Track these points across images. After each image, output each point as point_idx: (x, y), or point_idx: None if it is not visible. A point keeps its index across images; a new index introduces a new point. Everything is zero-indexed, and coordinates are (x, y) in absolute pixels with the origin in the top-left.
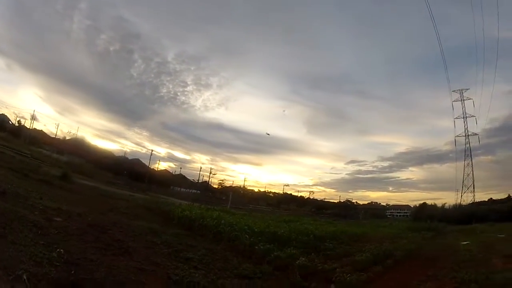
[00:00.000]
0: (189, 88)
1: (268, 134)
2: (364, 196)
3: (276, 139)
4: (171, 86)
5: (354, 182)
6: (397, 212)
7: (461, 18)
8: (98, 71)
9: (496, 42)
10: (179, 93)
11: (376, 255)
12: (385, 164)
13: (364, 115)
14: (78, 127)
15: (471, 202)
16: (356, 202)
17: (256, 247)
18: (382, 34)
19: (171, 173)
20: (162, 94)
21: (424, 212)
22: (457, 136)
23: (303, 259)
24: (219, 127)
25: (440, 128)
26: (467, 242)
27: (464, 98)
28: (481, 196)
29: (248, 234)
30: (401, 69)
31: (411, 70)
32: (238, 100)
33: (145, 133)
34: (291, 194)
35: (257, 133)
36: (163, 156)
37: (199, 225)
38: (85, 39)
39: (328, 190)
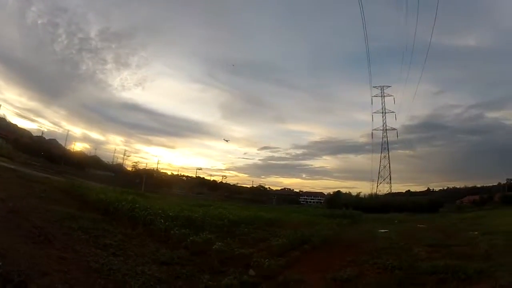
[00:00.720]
0: (108, 66)
1: (227, 140)
2: (277, 182)
3: (190, 122)
4: (91, 64)
5: (267, 168)
6: (311, 199)
7: (393, 19)
8: (24, 46)
9: (425, 45)
10: (98, 71)
11: (293, 240)
12: (299, 151)
13: (281, 103)
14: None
15: (387, 192)
16: (269, 187)
17: (172, 231)
18: (309, 26)
19: (86, 155)
20: (81, 71)
21: (338, 199)
22: (375, 129)
23: (220, 243)
24: (134, 108)
25: (357, 121)
26: (386, 230)
27: (385, 94)
28: (399, 187)
29: (163, 219)
30: (324, 62)
31: (335, 64)
32: (155, 81)
33: (63, 112)
34: (203, 178)
35: (172, 115)
36: (79, 136)
37: (114, 209)
38: (16, 11)
39: (240, 175)
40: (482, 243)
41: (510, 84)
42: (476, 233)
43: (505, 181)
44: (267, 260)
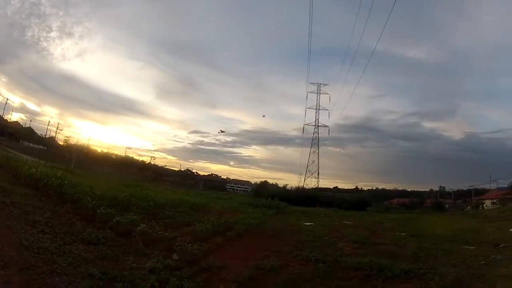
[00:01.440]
0: (52, 34)
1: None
2: (204, 167)
3: (125, 100)
4: (36, 30)
5: (196, 152)
6: (238, 187)
7: (342, 20)
8: None
9: (370, 51)
10: (42, 39)
11: (217, 226)
12: (229, 139)
13: (216, 88)
14: None
15: (315, 187)
16: (197, 172)
17: (98, 211)
18: (254, 15)
19: (22, 126)
20: (27, 38)
21: (265, 189)
22: (307, 124)
23: (144, 225)
24: (72, 79)
25: (290, 114)
26: (311, 223)
27: (321, 92)
28: (326, 183)
29: (90, 197)
30: (264, 52)
31: (274, 55)
32: (95, 54)
33: (4, 79)
34: (132, 157)
35: (108, 91)
36: (16, 106)
37: (44, 185)
38: None
39: (169, 157)
40: (410, 245)
41: (451, 98)
42: (404, 234)
43: (437, 188)
44: (190, 244)
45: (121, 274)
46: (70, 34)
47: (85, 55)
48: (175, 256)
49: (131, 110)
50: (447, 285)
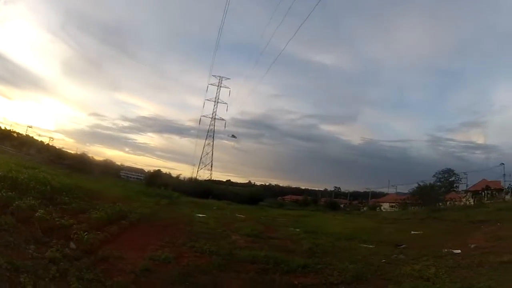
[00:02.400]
0: None
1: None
2: (100, 152)
3: (31, 74)
4: None
5: (93, 136)
6: (132, 174)
7: (254, 19)
8: None
9: (277, 51)
10: None
11: (111, 214)
12: (126, 124)
13: (120, 72)
14: None
15: (207, 178)
16: (92, 157)
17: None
18: (168, 3)
19: None
20: None
21: (159, 178)
22: (204, 116)
23: (42, 211)
24: None
25: (188, 104)
26: (204, 215)
27: (222, 85)
28: (220, 176)
29: None
30: (170, 39)
31: (182, 45)
32: (13, 21)
33: None
34: (33, 137)
35: (16, 63)
36: None
37: None
38: None
39: (67, 139)
40: (305, 241)
41: (354, 105)
42: (298, 230)
43: (332, 188)
44: (86, 233)
45: (24, 264)
46: None
47: (5, 22)
48: (72, 245)
49: (36, 85)
50: (347, 280)
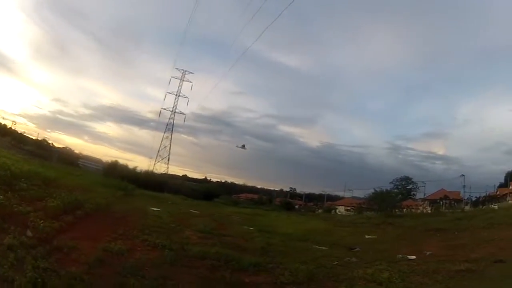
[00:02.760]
0: None
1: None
2: (60, 139)
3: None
4: None
5: (55, 122)
6: (90, 164)
7: (224, 15)
8: None
9: (243, 49)
10: None
11: (67, 203)
12: (87, 111)
13: (86, 57)
14: None
15: (164, 172)
16: (52, 143)
17: None
18: None
19: None
20: None
21: (115, 170)
22: (164, 108)
23: (1, 197)
24: None
25: (150, 96)
26: (158, 209)
27: (185, 79)
28: (176, 170)
29: None
30: (140, 30)
31: (149, 35)
32: None
33: None
34: None
35: None
36: None
37: None
38: None
39: (30, 124)
40: (258, 239)
41: (314, 109)
42: (251, 228)
43: (288, 189)
44: (42, 221)
45: None
46: None
47: None
48: (29, 233)
49: (2, 65)
50: (299, 281)
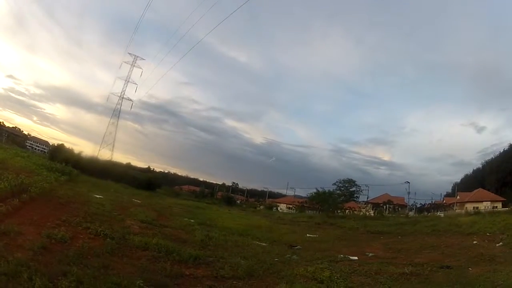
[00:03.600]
0: None
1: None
2: (10, 118)
3: None
4: None
5: (6, 100)
6: (37, 146)
7: (181, 4)
8: None
9: (194, 41)
10: None
11: (14, 186)
12: (38, 91)
13: (41, 34)
14: None
15: (108, 159)
16: (3, 122)
17: None
18: None
19: None
20: None
21: (61, 154)
22: (112, 93)
23: None
24: None
25: (99, 79)
26: (101, 196)
27: (136, 65)
28: (120, 157)
29: None
30: (95, 11)
31: (103, 16)
32: None
33: None
34: None
35: None
36: None
37: None
38: None
39: None
40: (198, 232)
41: (260, 105)
42: (192, 221)
43: (230, 184)
44: None
45: None
46: None
47: None
48: None
49: None
50: (239, 275)
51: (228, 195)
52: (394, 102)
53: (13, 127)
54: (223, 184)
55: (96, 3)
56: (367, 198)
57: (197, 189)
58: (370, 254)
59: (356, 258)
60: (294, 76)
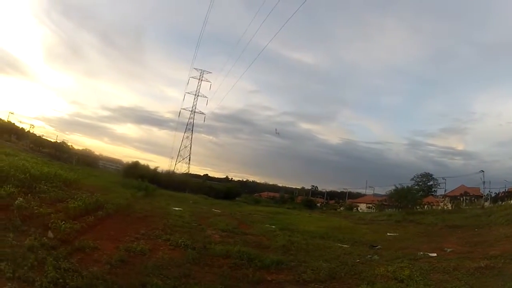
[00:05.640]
0: None
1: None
2: (80, 141)
3: (13, 58)
4: None
5: (73, 124)
6: (110, 165)
7: (240, 12)
8: None
9: (259, 47)
10: None
11: (88, 204)
12: (106, 113)
13: (99, 59)
14: None
15: (185, 172)
16: (72, 145)
17: None
18: None
19: None
20: None
21: (136, 170)
22: (183, 108)
23: (21, 199)
24: None
25: (167, 96)
26: (180, 208)
27: (203, 79)
28: (197, 170)
29: None
30: (152, 30)
31: (162, 35)
32: None
33: None
34: (14, 123)
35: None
36: None
37: None
38: None
39: (48, 127)
40: (280, 237)
41: (332, 105)
42: (273, 227)
43: (309, 187)
44: (64, 222)
45: (3, 252)
46: None
47: None
48: (50, 234)
49: (18, 70)
50: (321, 278)
51: (308, 199)
52: (460, 87)
53: (83, 149)
54: (302, 188)
55: (151, 23)
56: (444, 192)
57: (277, 195)
58: (449, 250)
59: (435, 254)
60: (359, 71)
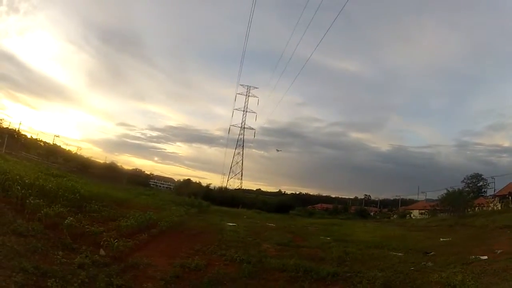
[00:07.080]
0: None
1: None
2: (129, 161)
3: (56, 84)
4: None
5: (121, 145)
6: (161, 183)
7: (280, 26)
8: None
9: (302, 60)
10: None
11: (141, 222)
12: (154, 134)
13: (144, 81)
14: None
15: (238, 187)
16: (122, 166)
17: (27, 201)
18: (189, 12)
19: None
20: None
21: (188, 187)
22: (233, 125)
23: (71, 219)
24: (9, 58)
25: (216, 114)
26: (234, 224)
27: (250, 94)
28: (250, 185)
29: (20, 186)
30: (195, 50)
31: (205, 54)
32: (34, 33)
33: None
34: (60, 146)
35: (41, 73)
36: None
37: None
38: None
39: (95, 148)
40: (335, 249)
41: (379, 112)
42: (328, 238)
43: (362, 196)
44: (116, 240)
45: (52, 269)
46: (17, 10)
47: (25, 33)
48: (102, 252)
49: (61, 96)
50: None
51: (361, 208)
52: (502, 81)
53: (133, 169)
54: (356, 198)
55: (191, 44)
56: (494, 191)
57: (330, 206)
58: (499, 251)
59: (486, 257)
60: (403, 75)
